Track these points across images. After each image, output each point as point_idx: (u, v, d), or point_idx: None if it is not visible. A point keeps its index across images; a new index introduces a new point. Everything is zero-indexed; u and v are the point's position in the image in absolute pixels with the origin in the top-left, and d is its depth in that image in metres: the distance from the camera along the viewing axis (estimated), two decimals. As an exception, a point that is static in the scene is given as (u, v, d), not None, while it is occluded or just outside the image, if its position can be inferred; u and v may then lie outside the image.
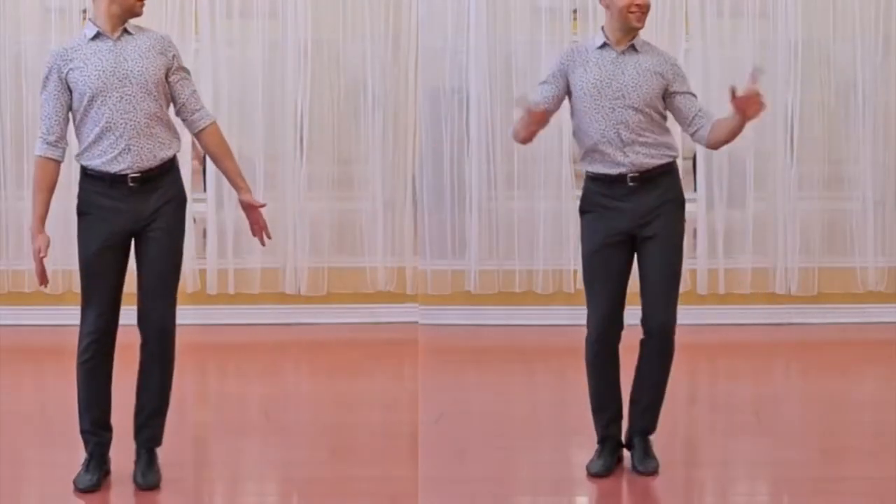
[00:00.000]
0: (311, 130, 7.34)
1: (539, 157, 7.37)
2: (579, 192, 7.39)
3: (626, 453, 4.69)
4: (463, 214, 7.40)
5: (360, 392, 6.10)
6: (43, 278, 4.43)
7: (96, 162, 4.34)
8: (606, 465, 4.62)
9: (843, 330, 7.19)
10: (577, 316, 7.35)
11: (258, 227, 4.54)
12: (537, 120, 4.48)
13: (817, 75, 7.30)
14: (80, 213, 4.44)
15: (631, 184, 4.48)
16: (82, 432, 4.53)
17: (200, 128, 4.46)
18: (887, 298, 7.32)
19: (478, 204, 7.37)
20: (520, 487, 4.73)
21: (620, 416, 4.67)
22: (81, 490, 4.43)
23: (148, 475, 4.46)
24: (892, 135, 7.35)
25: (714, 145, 4.58)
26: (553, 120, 7.26)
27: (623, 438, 4.69)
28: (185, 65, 4.47)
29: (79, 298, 7.27)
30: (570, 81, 4.59)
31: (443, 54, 7.41)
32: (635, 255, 4.58)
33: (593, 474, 4.60)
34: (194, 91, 4.46)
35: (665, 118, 4.57)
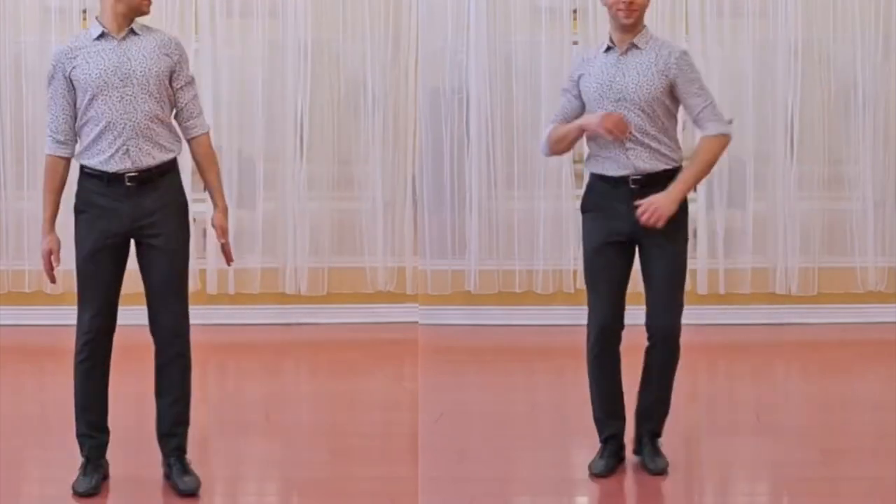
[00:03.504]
0: (311, 130, 7.34)
1: (539, 157, 7.36)
2: (580, 192, 7.45)
3: (629, 455, 4.69)
4: (463, 214, 7.40)
5: (360, 392, 6.10)
6: (52, 277, 4.44)
7: (94, 161, 4.32)
8: (609, 465, 4.63)
9: (843, 330, 7.19)
10: (577, 316, 7.34)
11: (224, 252, 4.50)
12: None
13: (817, 75, 7.30)
14: (78, 211, 4.42)
15: (633, 186, 4.46)
16: (78, 435, 4.51)
17: (193, 135, 4.45)
18: (887, 298, 7.32)
19: (478, 204, 7.37)
20: (520, 487, 4.73)
21: (623, 416, 4.67)
22: (80, 494, 4.42)
23: (187, 480, 4.41)
24: (892, 135, 7.35)
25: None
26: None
27: (632, 444, 4.69)
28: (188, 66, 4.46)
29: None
30: (580, 88, 4.56)
31: (443, 54, 7.41)
32: (637, 258, 4.58)
33: (595, 474, 4.60)
34: (195, 97, 4.44)
35: (675, 118, 4.53)
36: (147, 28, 4.42)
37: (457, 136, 7.39)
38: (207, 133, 4.48)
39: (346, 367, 6.51)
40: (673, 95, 4.49)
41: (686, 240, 4.57)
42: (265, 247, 7.33)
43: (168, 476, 4.48)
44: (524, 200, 7.41)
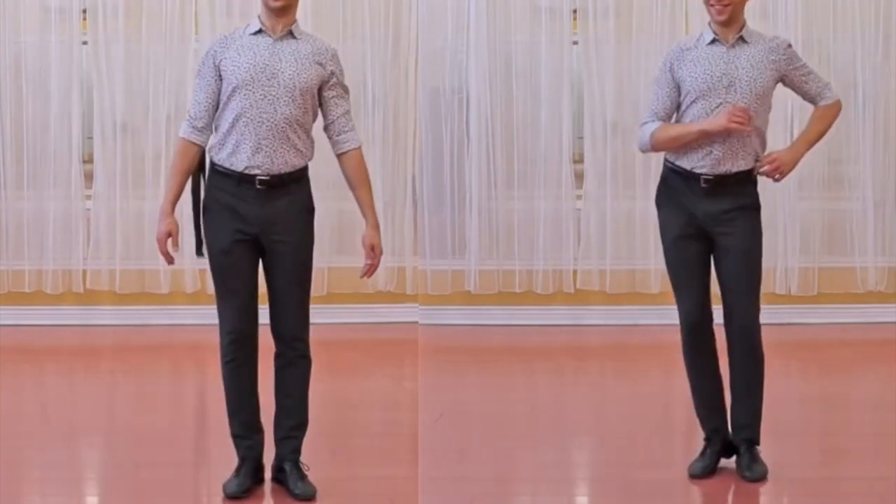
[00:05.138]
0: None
1: (539, 157, 7.37)
2: (580, 192, 7.49)
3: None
4: (463, 214, 7.40)
5: (360, 392, 6.10)
6: (170, 259, 4.27)
7: (225, 155, 4.23)
8: (707, 466, 4.58)
9: (843, 330, 7.19)
10: (577, 316, 7.43)
11: (368, 268, 4.38)
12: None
13: (817, 75, 7.30)
14: (206, 209, 4.31)
15: (704, 185, 4.44)
16: (233, 436, 4.39)
17: (343, 150, 4.37)
18: (887, 298, 7.32)
19: (478, 204, 7.37)
20: (520, 487, 4.73)
21: (725, 410, 4.63)
22: (228, 496, 4.29)
23: (303, 486, 4.34)
24: (892, 135, 7.35)
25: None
26: (554, 120, 7.34)
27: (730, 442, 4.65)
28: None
29: (79, 299, 7.36)
30: (678, 78, 4.47)
31: (443, 54, 7.41)
32: (712, 256, 4.55)
33: (693, 475, 4.55)
34: (348, 111, 4.36)
35: (769, 115, 4.51)
36: (307, 34, 4.35)
37: (457, 136, 7.39)
38: (359, 148, 4.40)
39: (346, 367, 6.51)
40: (774, 90, 4.49)
41: (760, 239, 4.53)
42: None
43: (279, 479, 4.41)
44: (524, 200, 7.41)
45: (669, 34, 7.18)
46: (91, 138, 7.39)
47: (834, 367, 6.54)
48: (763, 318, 7.33)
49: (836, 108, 4.57)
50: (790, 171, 4.49)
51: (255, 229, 4.26)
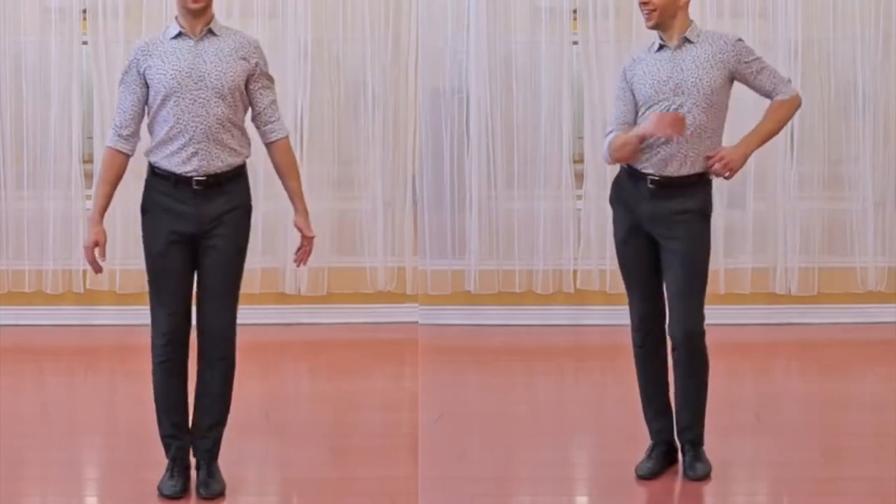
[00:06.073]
0: (311, 130, 7.33)
1: (539, 157, 7.37)
2: (580, 192, 7.49)
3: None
4: (463, 214, 7.40)
5: (360, 392, 6.10)
6: (97, 268, 4.35)
7: (163, 161, 4.26)
8: (654, 467, 4.57)
9: (843, 330, 7.19)
10: (577, 316, 7.43)
11: (302, 253, 4.52)
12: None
13: (817, 75, 7.30)
14: (144, 210, 4.35)
15: (650, 186, 4.42)
16: (163, 437, 4.42)
17: (272, 140, 4.39)
18: (887, 298, 7.32)
19: (478, 204, 7.37)
20: (520, 487, 4.73)
21: (670, 413, 4.62)
22: (167, 496, 4.33)
23: (212, 485, 4.36)
24: (892, 135, 7.35)
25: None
26: (554, 120, 7.34)
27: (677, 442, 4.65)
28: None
29: (79, 299, 7.36)
30: (633, 89, 4.47)
31: (443, 54, 7.41)
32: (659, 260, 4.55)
33: (640, 476, 4.54)
34: (274, 101, 4.37)
35: (725, 114, 4.47)
36: (227, 29, 4.34)
37: (457, 136, 7.38)
38: (287, 137, 4.42)
39: (346, 367, 6.51)
40: (729, 88, 4.44)
41: (706, 245, 4.47)
42: (265, 247, 7.32)
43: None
44: (524, 200, 7.41)
45: (669, 34, 7.17)
46: (91, 138, 7.39)
47: (834, 367, 6.54)
48: (763, 318, 7.40)
49: (792, 103, 4.48)
50: (740, 167, 4.41)
51: (192, 229, 4.28)
